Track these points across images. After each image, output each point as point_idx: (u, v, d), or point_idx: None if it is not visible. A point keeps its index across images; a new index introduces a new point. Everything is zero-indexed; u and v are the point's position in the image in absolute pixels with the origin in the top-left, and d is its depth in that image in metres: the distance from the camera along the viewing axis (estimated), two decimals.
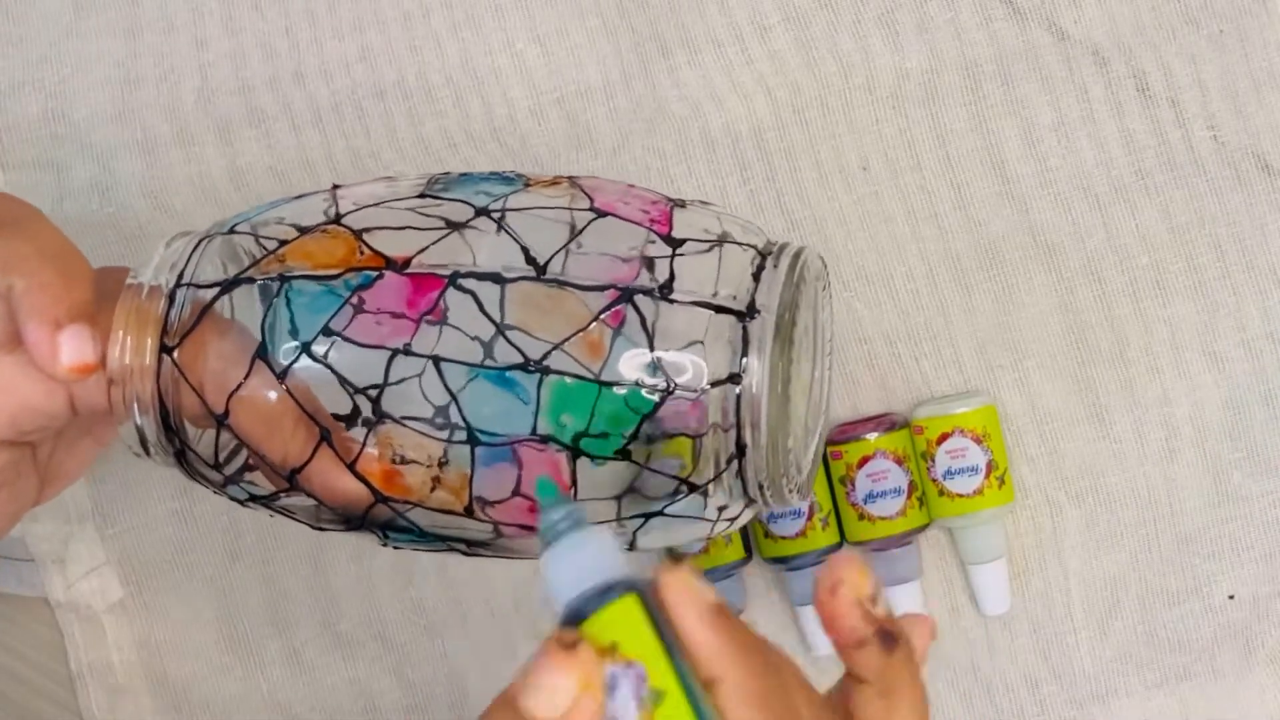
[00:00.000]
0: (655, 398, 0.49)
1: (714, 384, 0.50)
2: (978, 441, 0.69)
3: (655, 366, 0.49)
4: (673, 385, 0.49)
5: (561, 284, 0.50)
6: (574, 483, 0.50)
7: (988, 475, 0.69)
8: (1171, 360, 0.70)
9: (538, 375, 0.49)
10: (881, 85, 0.70)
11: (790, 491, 0.52)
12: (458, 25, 0.71)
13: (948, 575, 0.71)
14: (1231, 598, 0.70)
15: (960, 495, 0.69)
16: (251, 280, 0.52)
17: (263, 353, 0.51)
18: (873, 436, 0.69)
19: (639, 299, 0.50)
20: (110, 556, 0.74)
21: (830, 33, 0.70)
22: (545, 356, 0.49)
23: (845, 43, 0.70)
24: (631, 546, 0.53)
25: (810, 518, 0.69)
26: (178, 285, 0.53)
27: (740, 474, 0.51)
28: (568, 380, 0.49)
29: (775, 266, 0.52)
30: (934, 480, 0.69)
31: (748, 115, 0.70)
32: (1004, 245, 0.70)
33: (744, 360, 0.50)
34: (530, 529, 0.51)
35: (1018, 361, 0.70)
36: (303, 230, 0.53)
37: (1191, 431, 0.70)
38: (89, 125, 0.72)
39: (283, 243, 0.52)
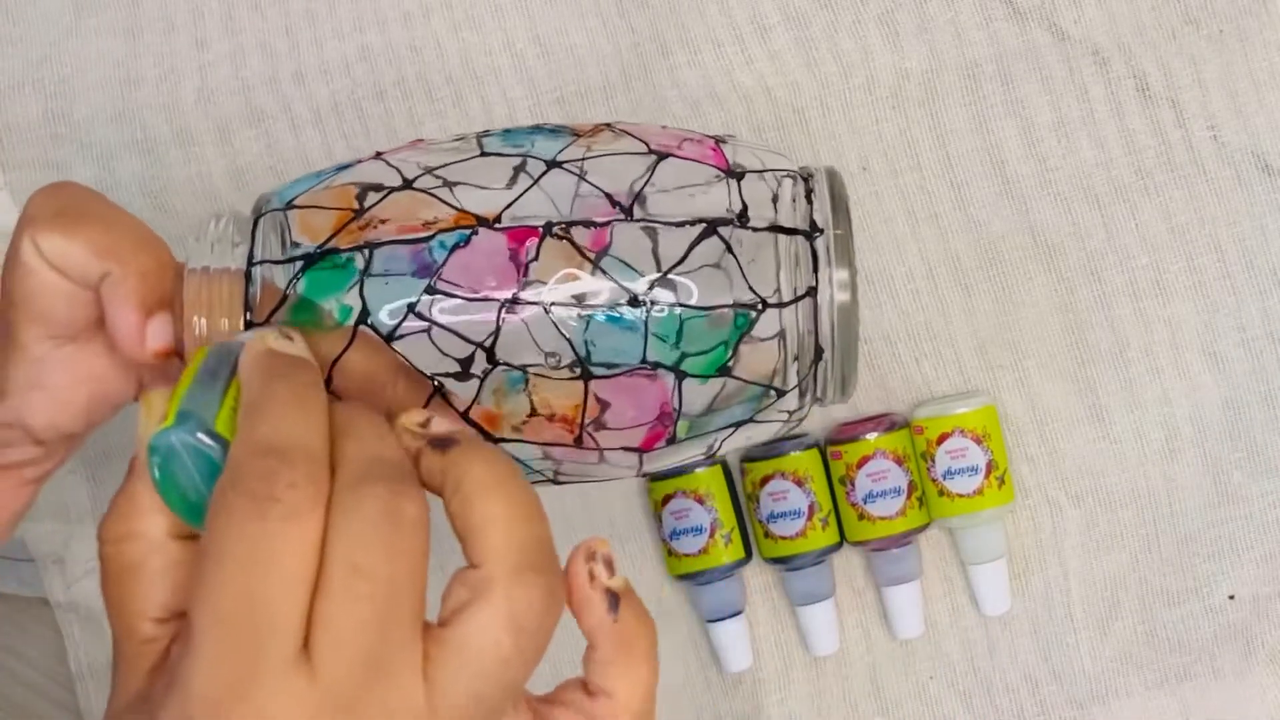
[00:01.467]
0: (750, 314, 0.53)
1: (795, 300, 0.54)
2: (978, 441, 0.69)
3: (747, 286, 0.53)
4: (763, 303, 0.53)
5: (649, 222, 0.53)
6: (679, 401, 0.54)
7: (988, 475, 0.69)
8: (1171, 360, 0.70)
9: (642, 308, 0.53)
10: (881, 85, 0.70)
11: (851, 385, 0.56)
12: (458, 25, 0.71)
13: (947, 575, 0.71)
14: (1232, 598, 0.70)
15: (960, 495, 0.69)
16: (337, 250, 0.52)
17: (364, 319, 0.52)
18: (872, 436, 0.69)
19: (722, 229, 0.54)
20: None
21: (830, 33, 0.70)
22: (649, 289, 0.53)
23: (845, 42, 0.70)
24: (711, 456, 0.57)
25: (810, 518, 0.69)
26: (251, 263, 0.53)
27: (814, 377, 0.55)
28: (676, 310, 0.53)
29: (820, 186, 0.56)
30: (934, 480, 0.69)
31: (748, 115, 0.70)
32: (1004, 245, 0.70)
33: (816, 275, 0.54)
34: (634, 449, 0.55)
35: (1018, 361, 0.70)
36: (367, 200, 0.54)
37: (1191, 431, 0.70)
38: (89, 125, 0.72)
39: (357, 213, 0.53)
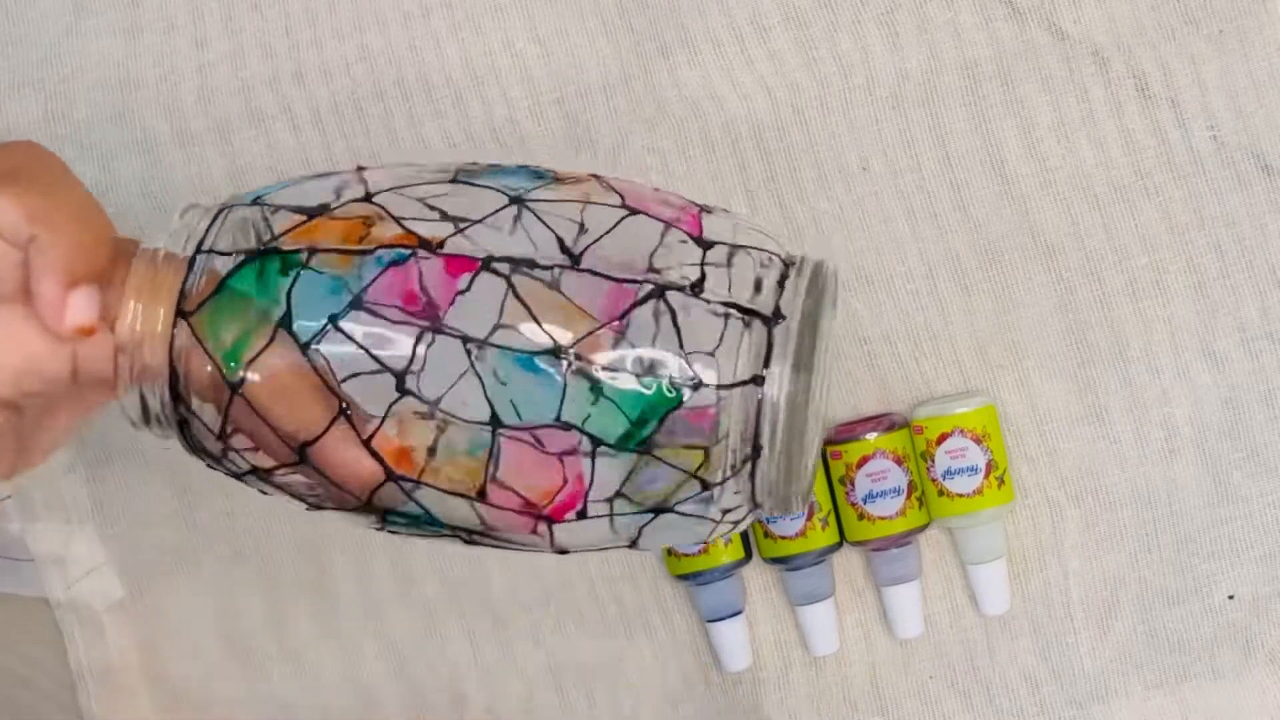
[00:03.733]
0: (681, 393, 0.50)
1: (736, 384, 0.50)
2: (977, 441, 0.69)
3: (684, 362, 0.50)
4: (698, 382, 0.50)
5: (595, 274, 0.51)
6: (591, 471, 0.51)
7: (987, 475, 0.69)
8: (1171, 360, 0.70)
9: (565, 362, 0.50)
10: (881, 85, 0.70)
11: (795, 498, 0.53)
12: (458, 25, 0.71)
13: (948, 575, 0.71)
14: (1231, 598, 0.70)
15: (960, 495, 0.69)
16: (279, 251, 0.52)
17: (286, 323, 0.51)
18: (872, 436, 0.69)
19: (671, 295, 0.51)
20: (110, 556, 0.74)
21: (830, 33, 0.70)
22: (577, 343, 0.50)
23: (845, 43, 0.70)
24: (634, 544, 0.54)
25: (810, 518, 0.69)
26: (198, 252, 0.52)
27: (751, 476, 0.51)
28: (598, 371, 0.50)
29: (799, 275, 0.53)
30: (933, 480, 0.69)
31: (747, 115, 0.70)
32: (1004, 245, 0.70)
33: (767, 366, 0.50)
34: (529, 513, 0.52)
35: (1018, 361, 0.70)
36: (329, 207, 0.53)
37: (1191, 431, 0.70)
38: (89, 125, 0.72)
39: (311, 216, 0.52)
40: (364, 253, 0.51)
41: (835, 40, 0.70)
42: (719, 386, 0.50)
